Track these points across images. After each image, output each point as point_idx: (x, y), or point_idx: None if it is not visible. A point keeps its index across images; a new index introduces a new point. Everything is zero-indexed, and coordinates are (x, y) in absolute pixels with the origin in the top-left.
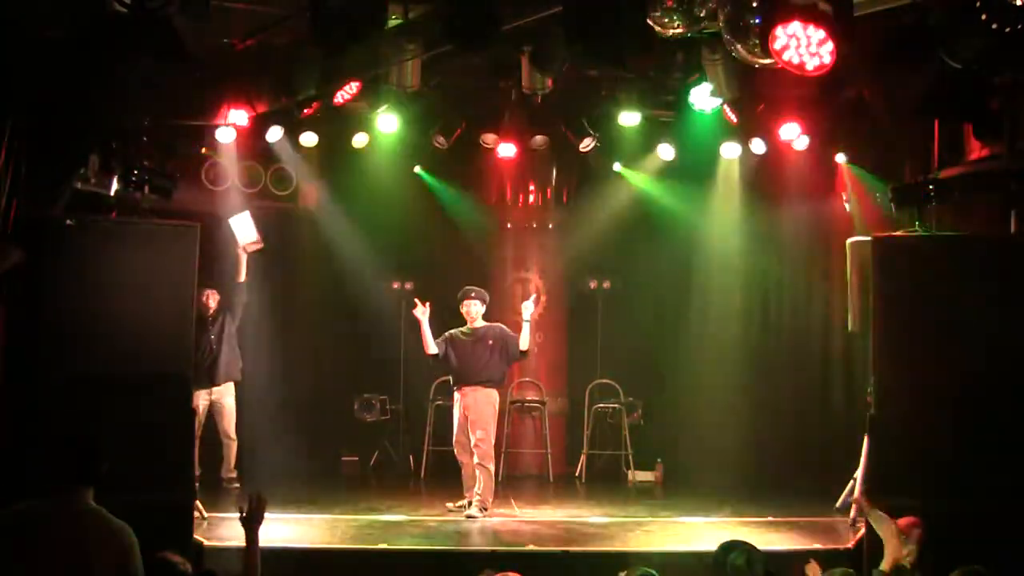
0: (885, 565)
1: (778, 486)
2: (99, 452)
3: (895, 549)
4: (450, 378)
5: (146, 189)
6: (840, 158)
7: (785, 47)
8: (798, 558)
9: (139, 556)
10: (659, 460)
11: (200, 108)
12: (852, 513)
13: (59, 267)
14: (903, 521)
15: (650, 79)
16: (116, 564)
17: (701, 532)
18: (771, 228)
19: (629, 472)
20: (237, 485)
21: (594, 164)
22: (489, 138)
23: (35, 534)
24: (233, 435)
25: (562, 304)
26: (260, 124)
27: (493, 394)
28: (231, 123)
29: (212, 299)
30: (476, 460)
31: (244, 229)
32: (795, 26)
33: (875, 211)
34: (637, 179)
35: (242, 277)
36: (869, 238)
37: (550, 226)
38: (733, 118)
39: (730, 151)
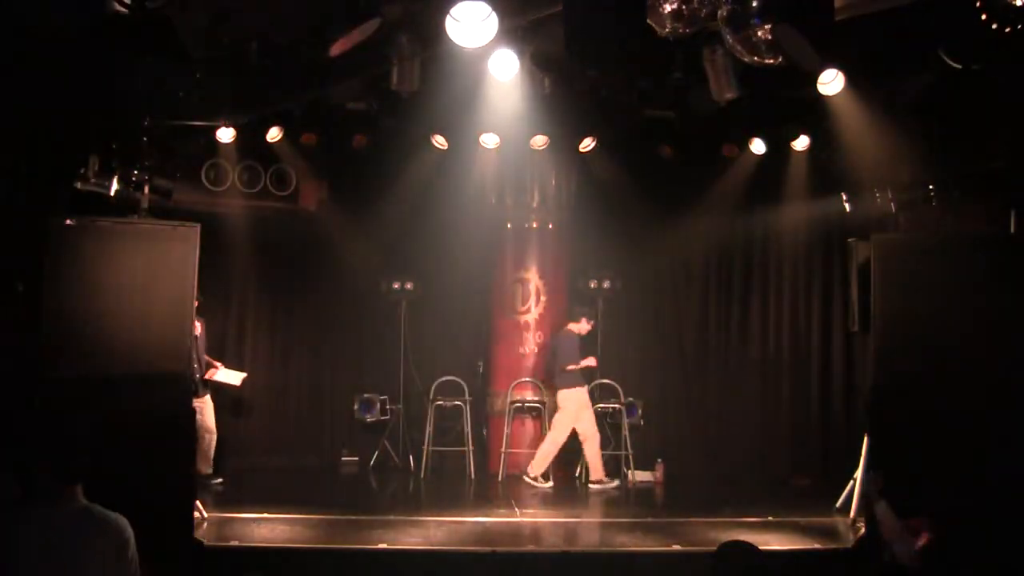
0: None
1: (778, 486)
2: (80, 449)
3: (902, 545)
4: None
5: (146, 189)
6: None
7: None
8: (798, 558)
9: (134, 547)
10: (659, 460)
11: (200, 108)
12: (852, 513)
13: (59, 267)
14: (914, 521)
15: (650, 79)
16: (115, 556)
17: (701, 532)
18: (771, 228)
19: (629, 472)
20: (220, 480)
21: (594, 164)
22: (488, 138)
23: (30, 539)
24: (213, 428)
25: (562, 304)
26: (260, 124)
27: None
28: (231, 123)
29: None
30: None
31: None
32: None
33: (875, 211)
34: None
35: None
36: (869, 238)
37: (550, 226)
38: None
39: (730, 151)
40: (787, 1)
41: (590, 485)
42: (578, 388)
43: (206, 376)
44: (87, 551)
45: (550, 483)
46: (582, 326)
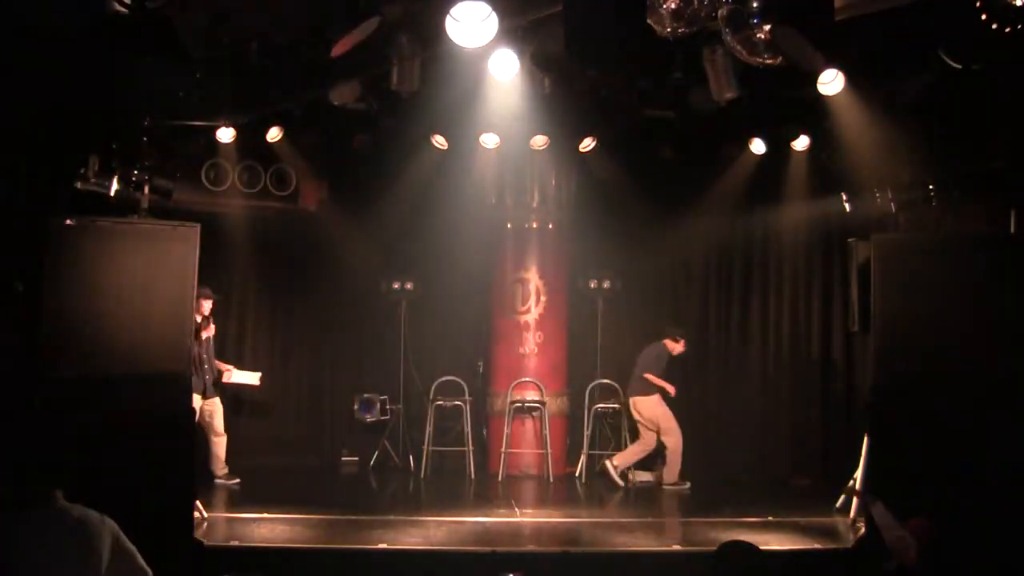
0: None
1: (778, 486)
2: (63, 450)
3: (899, 546)
4: None
5: (146, 189)
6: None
7: None
8: (798, 558)
9: (125, 538)
10: (659, 460)
11: (200, 108)
12: (852, 513)
13: (59, 267)
14: (914, 522)
15: (650, 79)
16: (106, 554)
17: (701, 532)
18: (771, 228)
19: (629, 472)
20: (237, 480)
21: (594, 164)
22: (488, 138)
23: (21, 542)
24: (222, 431)
25: (562, 304)
26: (260, 124)
27: None
28: (231, 123)
29: (205, 306)
30: None
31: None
32: None
33: (875, 211)
34: None
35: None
36: (869, 238)
37: (550, 226)
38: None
39: (730, 151)
40: (787, 1)
41: (664, 486)
42: (651, 396)
43: (223, 380)
44: (74, 552)
45: (624, 484)
46: (677, 346)
